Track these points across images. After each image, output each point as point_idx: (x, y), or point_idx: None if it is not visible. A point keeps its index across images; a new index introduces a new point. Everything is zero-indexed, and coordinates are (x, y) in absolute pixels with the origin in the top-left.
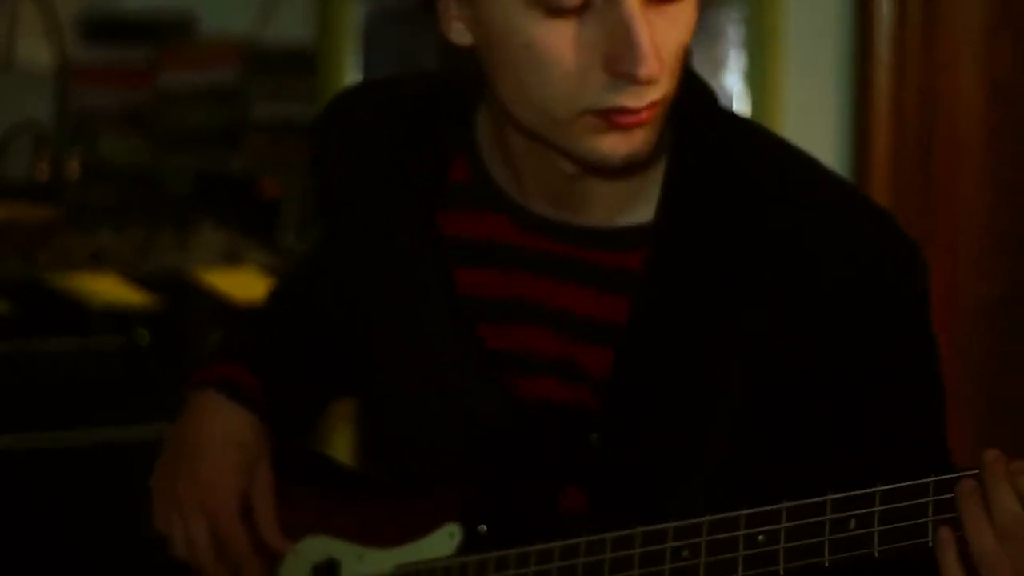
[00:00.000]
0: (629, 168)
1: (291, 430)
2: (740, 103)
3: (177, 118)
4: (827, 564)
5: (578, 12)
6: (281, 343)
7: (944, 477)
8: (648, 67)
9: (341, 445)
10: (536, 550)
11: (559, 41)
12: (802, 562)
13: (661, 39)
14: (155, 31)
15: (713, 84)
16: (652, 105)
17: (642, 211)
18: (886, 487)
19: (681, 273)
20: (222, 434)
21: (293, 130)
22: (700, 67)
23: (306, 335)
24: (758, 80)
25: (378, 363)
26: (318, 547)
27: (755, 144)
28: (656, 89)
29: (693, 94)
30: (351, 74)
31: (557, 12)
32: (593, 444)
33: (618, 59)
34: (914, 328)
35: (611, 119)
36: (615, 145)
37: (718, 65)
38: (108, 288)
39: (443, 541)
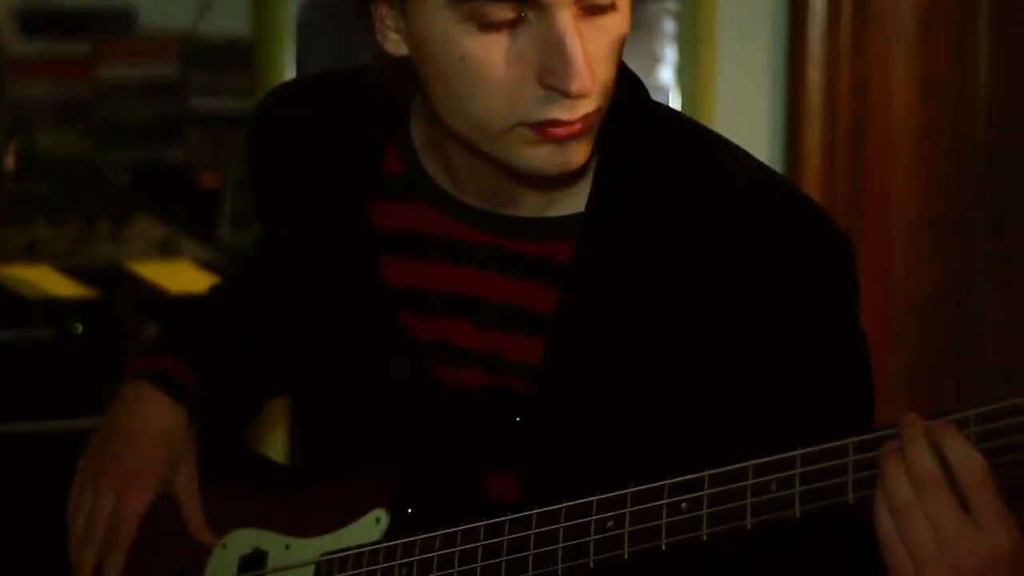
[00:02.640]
0: (562, 178)
1: (225, 426)
2: (673, 96)
3: (115, 111)
4: (749, 527)
5: (511, 26)
6: (222, 339)
7: (863, 437)
8: (580, 82)
9: (275, 448)
10: (462, 530)
11: (492, 55)
12: (725, 526)
13: (594, 51)
14: (93, 24)
15: (646, 77)
16: (585, 117)
17: (573, 202)
18: (806, 450)
19: (611, 262)
20: (151, 425)
21: (231, 124)
22: (633, 61)
23: (247, 330)
24: (691, 74)
25: (308, 352)
26: (245, 539)
27: (685, 137)
28: (589, 102)
29: (623, 87)
30: (288, 68)
31: (490, 26)
32: (518, 425)
33: (551, 73)
34: (841, 316)
35: (544, 131)
36: (548, 157)
37: (651, 59)
38: (43, 280)
39: (370, 527)
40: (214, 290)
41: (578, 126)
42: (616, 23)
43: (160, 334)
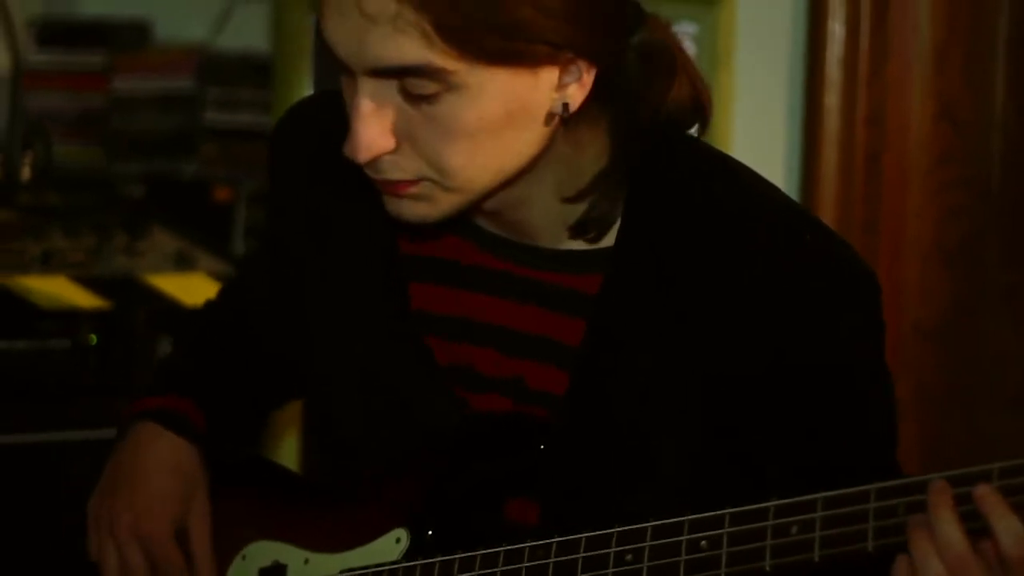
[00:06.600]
0: (423, 224)
1: (233, 446)
2: None
3: (130, 123)
4: (768, 569)
5: (352, 75)
6: (218, 365)
7: (885, 484)
8: (351, 150)
9: (288, 451)
10: (481, 554)
11: (349, 97)
12: (744, 567)
13: (418, 134)
14: (110, 36)
15: None
16: (399, 184)
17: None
18: (828, 493)
19: (637, 296)
20: (160, 462)
21: (246, 138)
22: None
23: (247, 350)
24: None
25: (328, 371)
26: (265, 551)
27: (715, 172)
28: (395, 170)
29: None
30: (305, 83)
31: (342, 69)
32: (541, 453)
33: None
34: (867, 358)
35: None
36: (388, 203)
37: None
38: (59, 290)
39: (389, 546)
40: (204, 314)
41: (399, 187)
42: (445, 110)
43: (157, 373)
